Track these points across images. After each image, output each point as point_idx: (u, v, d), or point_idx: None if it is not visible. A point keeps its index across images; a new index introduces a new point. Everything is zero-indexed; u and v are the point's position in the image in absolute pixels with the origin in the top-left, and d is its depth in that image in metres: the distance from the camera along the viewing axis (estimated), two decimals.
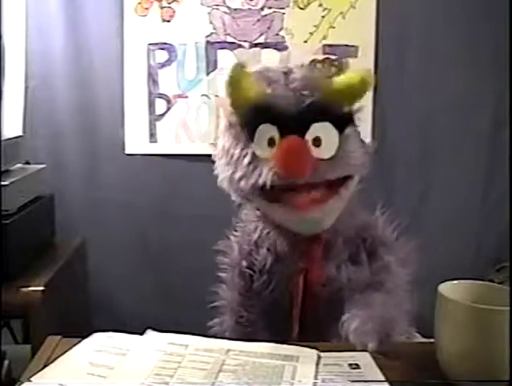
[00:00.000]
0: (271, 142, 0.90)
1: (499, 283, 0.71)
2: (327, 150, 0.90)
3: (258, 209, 1.01)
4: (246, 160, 0.91)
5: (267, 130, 0.90)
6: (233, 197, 0.98)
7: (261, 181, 0.89)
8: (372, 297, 0.91)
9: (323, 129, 0.90)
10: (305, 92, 0.90)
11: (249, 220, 1.04)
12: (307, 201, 0.89)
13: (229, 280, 1.03)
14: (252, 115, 0.91)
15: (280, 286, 0.98)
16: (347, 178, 0.93)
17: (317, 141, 0.89)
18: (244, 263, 1.02)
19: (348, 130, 0.92)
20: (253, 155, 0.91)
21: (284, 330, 0.96)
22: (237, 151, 0.92)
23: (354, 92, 0.91)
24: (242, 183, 0.91)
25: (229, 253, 1.04)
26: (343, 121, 0.92)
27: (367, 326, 0.82)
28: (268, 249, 0.99)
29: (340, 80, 0.92)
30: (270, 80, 0.93)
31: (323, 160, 0.89)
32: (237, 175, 0.92)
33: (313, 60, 1.82)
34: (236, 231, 1.06)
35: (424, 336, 0.97)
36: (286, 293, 0.97)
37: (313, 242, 0.96)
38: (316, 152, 0.89)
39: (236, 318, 1.01)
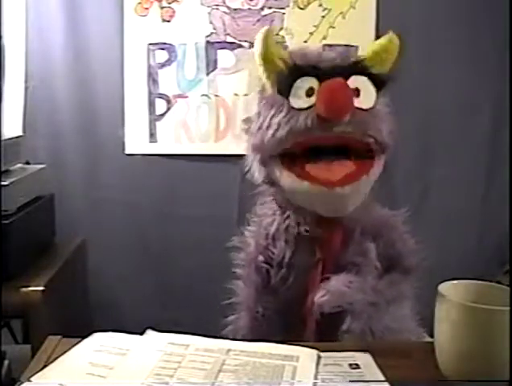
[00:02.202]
0: (310, 92, 0.90)
1: (507, 286, 0.71)
2: (366, 101, 0.91)
3: (275, 199, 1.00)
4: (283, 113, 0.91)
5: (306, 82, 0.90)
6: (258, 175, 0.98)
7: (298, 127, 0.89)
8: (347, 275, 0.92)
9: (362, 82, 0.92)
10: (341, 58, 0.93)
11: (265, 214, 1.04)
12: (341, 176, 0.90)
13: (245, 276, 1.03)
14: (289, 71, 0.91)
15: (298, 280, 0.98)
16: (374, 154, 0.93)
17: (356, 91, 0.91)
18: (260, 258, 1.01)
19: (382, 93, 0.94)
20: (290, 108, 0.90)
21: (301, 324, 0.96)
22: (272, 111, 0.92)
23: (386, 53, 0.95)
24: (278, 133, 0.90)
25: (245, 249, 1.03)
26: (379, 81, 0.93)
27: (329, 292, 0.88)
28: (286, 242, 0.98)
29: (370, 45, 0.96)
30: (305, 52, 0.96)
31: (361, 111, 0.90)
32: (273, 129, 0.91)
33: None
34: (250, 226, 1.05)
35: (431, 336, 0.97)
36: (303, 287, 0.96)
37: (333, 230, 0.96)
38: (356, 101, 0.90)
39: (252, 314, 1.01)
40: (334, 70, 0.90)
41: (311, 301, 0.92)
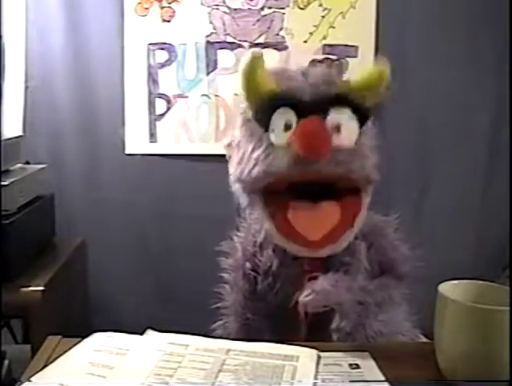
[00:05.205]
0: (288, 126, 0.87)
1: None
2: (346, 139, 0.88)
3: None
4: (261, 149, 0.88)
5: (284, 114, 0.87)
6: (242, 199, 0.96)
7: (275, 165, 0.86)
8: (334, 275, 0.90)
9: (343, 116, 0.88)
10: (324, 87, 0.89)
11: (253, 221, 1.02)
12: (323, 235, 0.88)
13: (233, 282, 1.02)
14: (268, 101, 0.88)
15: (285, 289, 0.96)
16: (360, 192, 0.90)
17: (337, 128, 0.87)
18: (248, 265, 0.99)
19: (367, 126, 0.91)
20: (269, 144, 0.88)
21: (290, 332, 0.95)
22: (252, 144, 0.90)
23: (373, 89, 0.90)
24: (255, 170, 0.88)
25: (233, 255, 1.02)
26: (363, 114, 0.90)
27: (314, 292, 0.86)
28: (273, 250, 0.97)
29: (358, 76, 0.91)
30: (289, 77, 0.92)
31: (342, 149, 0.87)
32: (251, 164, 0.89)
33: (313, 60, 1.83)
34: (239, 231, 1.04)
35: (426, 337, 0.97)
36: (291, 296, 0.94)
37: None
38: (336, 138, 0.86)
39: (241, 320, 0.99)
40: (314, 103, 0.87)
41: (296, 300, 0.91)
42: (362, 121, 0.90)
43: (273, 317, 0.99)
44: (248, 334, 0.98)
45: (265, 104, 0.89)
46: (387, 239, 0.98)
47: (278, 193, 0.90)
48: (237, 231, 1.04)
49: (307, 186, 0.88)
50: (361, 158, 0.89)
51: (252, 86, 0.89)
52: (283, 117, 0.88)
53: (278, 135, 0.88)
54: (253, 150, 0.89)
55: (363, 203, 0.92)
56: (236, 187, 0.96)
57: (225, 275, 1.02)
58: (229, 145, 0.98)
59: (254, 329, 0.99)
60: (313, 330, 0.94)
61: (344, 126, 0.88)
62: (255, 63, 0.88)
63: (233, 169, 0.95)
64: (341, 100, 0.88)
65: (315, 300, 0.86)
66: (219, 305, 1.02)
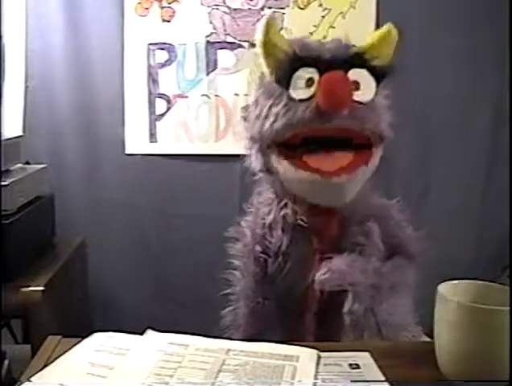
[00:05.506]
0: (309, 82, 0.90)
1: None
2: (365, 95, 0.92)
3: (273, 188, 1.00)
4: (281, 104, 0.91)
5: (305, 72, 0.90)
6: (256, 163, 0.97)
7: (296, 118, 0.89)
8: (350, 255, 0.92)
9: (361, 75, 0.92)
10: (342, 49, 0.94)
11: (261, 204, 1.04)
12: (335, 168, 0.90)
13: (243, 267, 1.03)
14: (289, 61, 0.91)
15: (295, 269, 0.98)
16: (373, 144, 0.93)
17: (356, 84, 0.91)
18: (258, 247, 1.01)
19: (382, 86, 0.94)
20: (289, 100, 0.91)
21: (301, 310, 0.96)
22: (271, 100, 0.92)
23: (385, 43, 0.95)
24: (276, 124, 0.90)
25: (242, 239, 1.03)
26: (379, 75, 0.94)
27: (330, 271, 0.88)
28: (283, 230, 0.98)
29: (369, 39, 0.96)
30: (306, 43, 0.95)
31: (360, 105, 0.90)
32: (271, 119, 0.91)
33: None
34: (247, 216, 1.05)
35: (428, 336, 0.97)
36: (301, 277, 0.96)
37: (329, 220, 0.96)
38: (355, 94, 0.90)
39: (252, 305, 1.01)
40: (334, 61, 0.91)
41: (312, 279, 0.91)
42: (377, 82, 0.94)
43: (283, 300, 1.00)
44: (258, 318, 0.98)
45: (285, 65, 0.91)
46: (393, 220, 0.99)
47: (293, 147, 0.92)
48: (244, 216, 1.05)
49: (322, 141, 0.91)
50: (377, 115, 0.93)
51: (270, 47, 0.93)
52: (305, 73, 0.90)
53: (299, 90, 0.90)
54: (271, 106, 0.92)
55: (374, 154, 0.95)
56: (250, 146, 0.98)
57: (235, 261, 1.03)
58: (246, 107, 1.00)
59: (264, 314, 1.00)
60: (324, 310, 0.94)
61: (363, 84, 0.92)
62: (271, 25, 0.92)
63: (250, 127, 0.97)
64: (359, 60, 0.92)
65: (331, 279, 0.87)
66: (228, 291, 1.02)
